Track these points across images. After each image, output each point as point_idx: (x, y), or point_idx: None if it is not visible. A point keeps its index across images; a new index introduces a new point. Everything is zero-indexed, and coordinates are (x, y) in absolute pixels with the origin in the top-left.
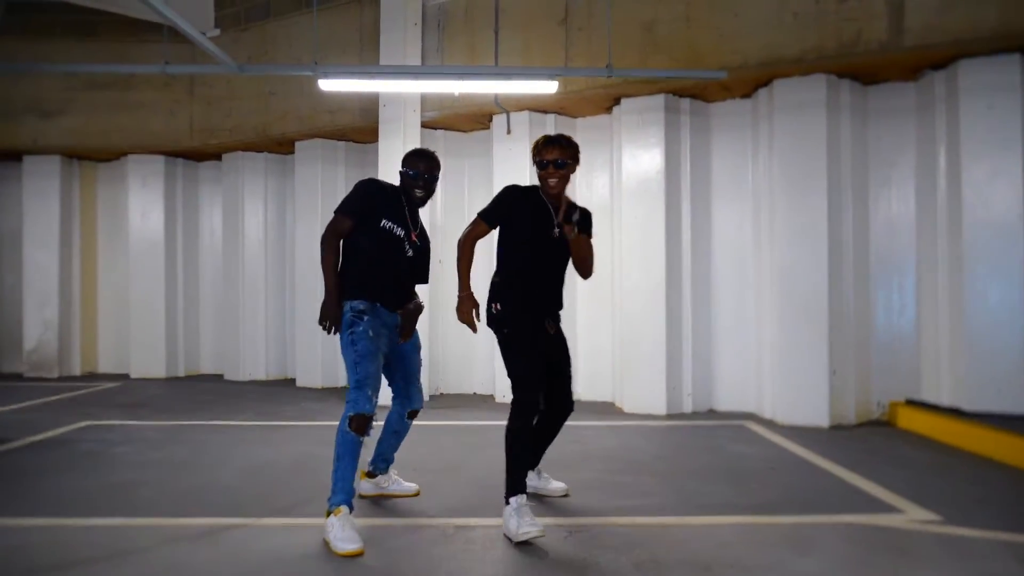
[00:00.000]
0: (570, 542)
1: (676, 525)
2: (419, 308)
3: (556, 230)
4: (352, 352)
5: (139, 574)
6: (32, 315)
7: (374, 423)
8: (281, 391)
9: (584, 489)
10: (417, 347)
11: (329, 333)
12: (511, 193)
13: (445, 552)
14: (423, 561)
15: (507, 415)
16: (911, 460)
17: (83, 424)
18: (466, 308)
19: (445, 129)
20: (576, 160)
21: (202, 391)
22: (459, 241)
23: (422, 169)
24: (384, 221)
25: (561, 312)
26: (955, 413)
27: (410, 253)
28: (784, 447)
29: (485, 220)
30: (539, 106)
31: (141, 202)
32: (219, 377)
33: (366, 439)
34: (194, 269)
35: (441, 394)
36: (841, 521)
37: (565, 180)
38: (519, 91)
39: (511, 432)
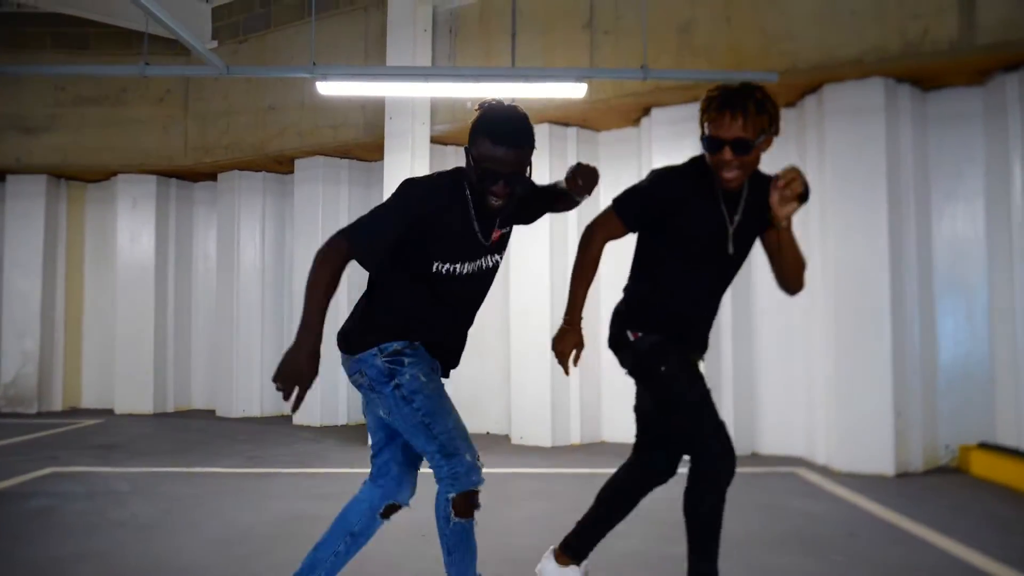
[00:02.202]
0: None
1: None
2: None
3: (732, 246)
4: (412, 413)
5: None
6: (11, 346)
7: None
8: (276, 430)
9: (630, 568)
10: None
11: (286, 398)
12: (664, 184)
13: None
14: None
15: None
16: (1012, 521)
17: (46, 472)
18: (568, 342)
19: (457, 145)
20: (774, 128)
21: (190, 429)
22: (582, 240)
23: (500, 160)
24: (437, 264)
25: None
26: None
27: (485, 269)
28: (854, 503)
29: (623, 218)
30: (560, 118)
31: (131, 225)
32: (211, 413)
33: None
34: (186, 296)
35: None
36: None
37: (751, 168)
38: (541, 95)
39: (716, 494)
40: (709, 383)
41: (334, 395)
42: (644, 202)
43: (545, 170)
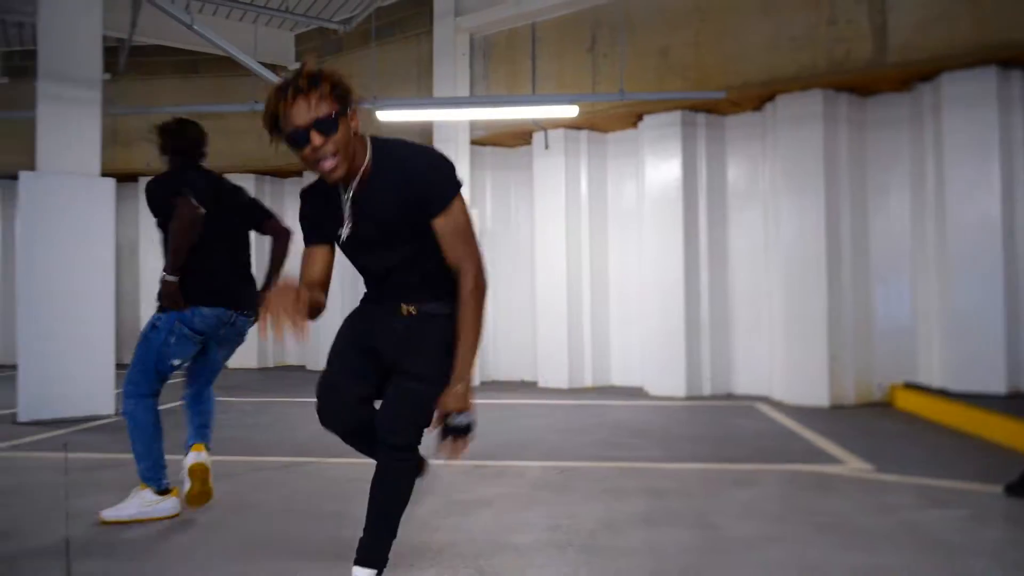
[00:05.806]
0: (559, 475)
1: (647, 469)
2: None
3: (345, 229)
4: None
5: (235, 487)
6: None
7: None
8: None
9: (586, 446)
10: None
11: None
12: (302, 203)
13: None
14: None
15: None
16: (883, 430)
17: None
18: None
19: (493, 145)
20: (347, 100)
21: (289, 378)
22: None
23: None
24: None
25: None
26: (943, 394)
27: None
28: (780, 422)
29: (305, 241)
30: (572, 123)
31: None
32: (302, 368)
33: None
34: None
35: None
36: (787, 469)
37: (344, 147)
38: (546, 116)
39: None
40: (690, 340)
41: None
42: (301, 223)
43: (561, 167)
